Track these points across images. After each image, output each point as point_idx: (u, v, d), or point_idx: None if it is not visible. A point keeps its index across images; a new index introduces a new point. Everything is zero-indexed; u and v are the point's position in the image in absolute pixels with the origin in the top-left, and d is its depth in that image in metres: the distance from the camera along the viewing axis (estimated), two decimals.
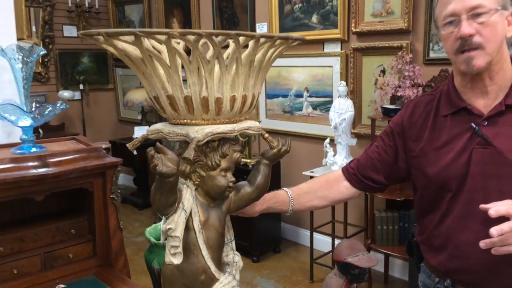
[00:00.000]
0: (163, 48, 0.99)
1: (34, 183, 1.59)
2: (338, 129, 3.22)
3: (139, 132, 5.11)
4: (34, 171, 1.59)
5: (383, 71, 3.34)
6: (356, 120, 3.44)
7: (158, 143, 0.98)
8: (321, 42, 3.67)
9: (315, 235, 3.52)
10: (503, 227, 0.98)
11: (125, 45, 0.98)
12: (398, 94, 2.94)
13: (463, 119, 1.22)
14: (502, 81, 1.19)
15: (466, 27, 1.12)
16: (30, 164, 1.60)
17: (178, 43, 0.99)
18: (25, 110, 1.68)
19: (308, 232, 3.61)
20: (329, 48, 3.65)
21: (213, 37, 0.95)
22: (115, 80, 5.97)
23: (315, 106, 3.80)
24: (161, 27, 5.08)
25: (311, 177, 3.14)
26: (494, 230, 0.98)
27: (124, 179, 5.89)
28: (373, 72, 3.40)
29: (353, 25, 3.44)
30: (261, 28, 4.08)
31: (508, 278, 1.19)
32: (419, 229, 1.40)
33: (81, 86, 5.53)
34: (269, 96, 4.12)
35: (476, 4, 1.11)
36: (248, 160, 3.72)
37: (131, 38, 0.93)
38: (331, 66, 3.64)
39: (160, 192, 1.02)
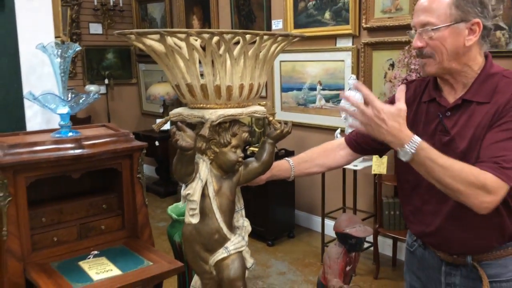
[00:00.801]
0: (182, 44, 1.20)
1: (72, 162, 1.83)
2: (349, 120, 3.40)
3: None
4: (72, 152, 1.82)
5: (392, 65, 3.50)
6: None
7: (179, 122, 1.19)
8: (334, 38, 3.85)
9: (326, 221, 3.71)
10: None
11: (152, 42, 1.20)
12: None
13: (435, 108, 1.41)
14: (465, 80, 1.36)
15: (416, 41, 1.32)
16: (68, 145, 1.84)
17: (196, 40, 1.20)
18: (63, 99, 1.91)
19: (320, 218, 3.81)
20: (341, 43, 3.83)
21: (224, 35, 1.16)
22: (138, 75, 6.24)
23: (327, 99, 3.99)
24: (181, 24, 5.32)
25: None
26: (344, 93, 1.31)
27: (146, 169, 6.17)
28: (382, 66, 3.57)
29: (363, 21, 3.60)
30: (277, 24, 4.27)
31: (460, 243, 1.39)
32: (400, 197, 1.63)
33: (106, 81, 5.82)
34: (284, 89, 4.31)
35: (425, 21, 1.30)
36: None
37: (157, 36, 1.15)
38: (343, 60, 3.81)
39: (181, 163, 1.24)
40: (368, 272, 3.51)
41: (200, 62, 1.22)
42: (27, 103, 2.09)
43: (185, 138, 1.18)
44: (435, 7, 1.29)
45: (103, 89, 5.76)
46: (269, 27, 4.34)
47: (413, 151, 1.17)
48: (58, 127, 2.01)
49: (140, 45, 1.21)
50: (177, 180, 1.33)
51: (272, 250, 3.94)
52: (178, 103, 5.67)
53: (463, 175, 1.17)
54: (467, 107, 1.34)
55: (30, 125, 2.12)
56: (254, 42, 1.22)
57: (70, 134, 1.96)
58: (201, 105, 1.28)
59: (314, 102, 4.09)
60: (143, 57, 6.07)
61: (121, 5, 5.82)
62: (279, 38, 1.27)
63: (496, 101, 1.30)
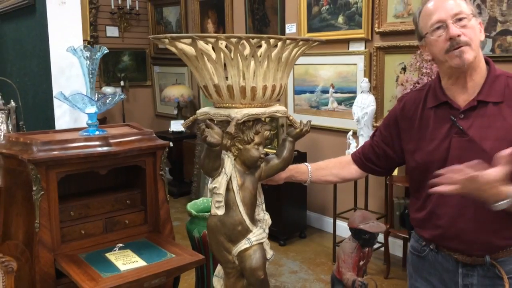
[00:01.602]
0: (209, 47, 1.30)
1: (100, 159, 1.94)
2: (361, 122, 3.48)
3: (175, 126, 5.49)
4: (100, 149, 1.93)
5: (404, 69, 3.57)
6: (378, 114, 3.69)
7: (207, 120, 1.29)
8: (346, 42, 3.93)
9: (338, 221, 3.79)
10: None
11: (184, 46, 1.30)
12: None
13: (444, 112, 1.45)
14: (478, 78, 1.42)
15: (455, 29, 1.36)
16: (97, 143, 1.94)
17: (222, 44, 1.29)
18: (92, 99, 2.02)
19: (331, 219, 3.88)
20: (353, 47, 3.90)
21: (250, 39, 1.25)
22: (153, 77, 6.36)
23: (340, 101, 4.07)
24: (196, 27, 5.43)
25: None
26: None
27: None
28: (394, 70, 3.64)
29: (376, 25, 3.68)
30: (290, 28, 4.36)
31: (480, 244, 1.42)
32: (410, 204, 1.64)
33: (121, 83, 5.95)
34: (297, 92, 4.40)
35: (458, 11, 1.37)
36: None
37: (188, 40, 1.24)
38: (355, 64, 3.89)
39: (208, 158, 1.33)
40: (379, 272, 3.57)
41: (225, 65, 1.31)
42: (56, 103, 2.20)
43: (213, 135, 1.27)
44: (459, 2, 1.39)
45: (118, 91, 5.88)
46: (283, 31, 4.43)
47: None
48: (85, 125, 2.12)
49: (173, 49, 1.31)
50: (204, 174, 1.42)
51: (284, 249, 4.02)
52: (191, 105, 5.78)
53: None
54: (482, 108, 1.39)
55: (59, 124, 2.23)
56: (275, 46, 1.31)
57: (97, 132, 2.06)
58: (227, 104, 1.37)
59: (327, 105, 4.17)
60: (158, 59, 6.20)
61: (137, 8, 5.95)
62: (301, 43, 1.36)
63: None
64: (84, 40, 2.26)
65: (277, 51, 1.34)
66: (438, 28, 1.38)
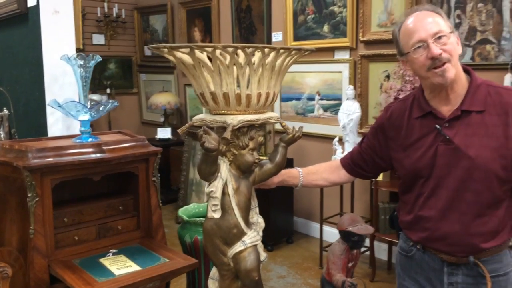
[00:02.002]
0: (203, 56, 1.35)
1: (94, 165, 1.97)
2: (346, 129, 3.56)
3: (162, 133, 5.52)
4: (94, 156, 1.96)
5: (388, 76, 3.67)
6: (363, 120, 3.77)
7: (205, 127, 1.34)
8: (332, 50, 4.02)
9: (324, 227, 3.85)
10: None
11: (182, 55, 1.34)
12: (400, 96, 3.27)
13: (430, 121, 1.52)
14: (459, 89, 1.49)
15: (436, 49, 1.42)
16: (90, 150, 1.97)
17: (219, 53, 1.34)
18: (86, 106, 2.05)
19: (318, 225, 3.95)
20: (339, 55, 3.99)
21: (246, 49, 1.31)
22: (139, 84, 6.38)
23: (325, 108, 4.15)
24: (183, 35, 5.48)
25: None
26: None
27: None
28: (378, 77, 3.74)
29: (361, 34, 3.78)
30: (277, 37, 4.44)
31: (464, 245, 1.48)
32: (399, 206, 1.71)
33: (108, 90, 5.95)
34: (283, 99, 4.47)
35: (437, 30, 1.43)
36: (264, 158, 4.07)
37: (187, 50, 1.29)
38: (340, 72, 3.98)
39: (205, 164, 1.38)
40: (365, 275, 3.64)
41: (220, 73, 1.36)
42: (49, 110, 2.22)
43: (210, 141, 1.32)
44: (438, 20, 1.45)
45: (104, 98, 5.87)
46: (269, 39, 4.51)
47: None
48: (77, 133, 2.15)
49: (171, 58, 1.36)
50: (201, 179, 1.47)
51: (272, 255, 4.06)
52: (178, 112, 5.81)
53: None
54: (465, 117, 1.46)
55: (52, 131, 2.25)
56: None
57: (90, 139, 2.09)
58: (223, 111, 1.42)
59: (313, 112, 4.25)
60: (144, 67, 6.22)
61: (123, 16, 5.98)
62: (293, 52, 1.42)
63: (499, 112, 1.43)
64: (76, 49, 2.29)
65: (271, 60, 1.39)
66: (419, 47, 1.44)
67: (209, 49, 1.29)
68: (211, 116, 1.45)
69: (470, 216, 1.45)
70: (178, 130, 1.53)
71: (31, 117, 2.30)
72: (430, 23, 1.44)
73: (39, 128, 2.27)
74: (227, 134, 1.37)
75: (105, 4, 5.84)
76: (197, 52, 1.32)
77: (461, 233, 1.47)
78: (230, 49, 1.30)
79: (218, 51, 1.31)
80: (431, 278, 1.57)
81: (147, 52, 6.16)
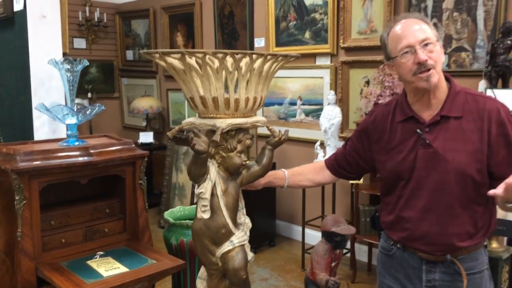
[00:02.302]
0: (197, 61, 1.39)
1: (81, 169, 1.99)
2: (328, 133, 3.64)
3: (144, 137, 5.52)
4: (81, 159, 1.98)
5: (368, 82, 3.77)
6: (344, 125, 3.86)
7: (195, 130, 1.38)
8: (313, 56, 4.10)
9: (306, 229, 3.92)
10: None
11: (173, 60, 1.39)
12: (380, 102, 3.36)
13: (411, 125, 1.59)
14: (441, 95, 1.57)
15: (422, 55, 1.50)
16: (78, 153, 1.99)
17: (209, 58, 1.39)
18: (73, 110, 2.07)
19: (300, 228, 4.01)
20: (320, 61, 4.08)
21: (235, 55, 1.36)
22: (121, 89, 6.36)
23: (307, 113, 4.23)
24: (165, 41, 5.50)
25: None
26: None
27: None
28: (358, 83, 3.83)
29: (341, 41, 3.87)
30: (259, 42, 4.50)
31: (442, 245, 1.56)
32: (381, 207, 1.77)
33: (89, 95, 5.92)
34: (265, 104, 4.52)
35: (425, 37, 1.50)
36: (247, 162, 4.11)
37: (178, 55, 1.34)
38: (322, 77, 4.06)
39: (195, 165, 1.42)
40: (346, 277, 3.71)
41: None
42: (35, 114, 2.23)
43: (200, 143, 1.37)
44: (425, 28, 1.52)
45: (86, 103, 5.84)
46: (251, 45, 4.57)
47: None
48: (63, 136, 2.16)
49: (162, 63, 1.40)
50: (191, 180, 1.51)
51: (254, 258, 4.10)
52: (160, 116, 5.82)
53: None
54: (444, 122, 1.54)
55: (38, 135, 2.25)
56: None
57: (77, 143, 2.11)
58: (212, 115, 1.47)
59: (295, 116, 4.32)
60: (126, 71, 6.22)
61: (105, 20, 5.97)
62: (280, 58, 1.48)
63: (476, 118, 1.51)
64: (63, 53, 2.31)
65: (258, 66, 1.45)
66: (407, 52, 1.51)
67: (200, 55, 1.34)
68: (201, 119, 1.50)
69: (447, 217, 1.52)
70: (167, 133, 1.57)
71: (16, 120, 2.30)
72: (418, 30, 1.51)
73: (24, 131, 2.28)
74: (217, 137, 1.42)
75: (87, 8, 5.83)
76: (187, 57, 1.36)
77: (439, 233, 1.54)
78: (220, 55, 1.35)
79: (208, 57, 1.36)
80: (410, 276, 1.64)
81: (129, 56, 6.16)
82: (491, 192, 1.34)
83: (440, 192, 1.52)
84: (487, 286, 1.63)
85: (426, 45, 1.50)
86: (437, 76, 1.52)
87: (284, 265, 3.97)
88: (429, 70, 1.50)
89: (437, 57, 1.51)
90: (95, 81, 6.12)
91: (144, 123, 5.67)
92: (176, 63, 1.40)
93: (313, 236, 4.09)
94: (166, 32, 5.51)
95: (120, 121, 6.48)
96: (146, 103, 5.44)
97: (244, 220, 1.62)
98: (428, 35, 1.51)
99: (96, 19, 5.86)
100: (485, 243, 1.65)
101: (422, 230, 1.55)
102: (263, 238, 4.32)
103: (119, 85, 6.36)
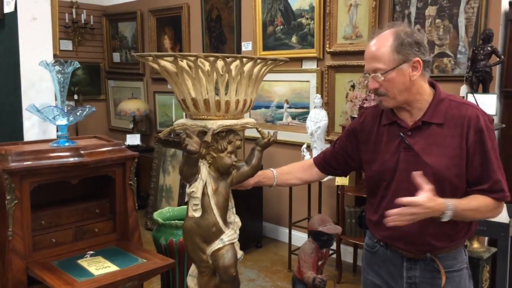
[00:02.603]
0: (189, 64, 1.44)
1: (72, 169, 2.01)
2: (314, 136, 3.70)
3: (131, 139, 5.52)
4: (72, 159, 2.01)
5: (353, 86, 3.85)
6: (330, 128, 3.93)
7: (187, 131, 1.42)
8: (300, 60, 4.17)
9: (293, 231, 3.97)
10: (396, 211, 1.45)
11: (165, 63, 1.43)
12: (365, 105, 3.44)
13: (395, 129, 1.66)
14: (420, 106, 1.62)
15: (371, 83, 1.58)
16: (69, 153, 2.02)
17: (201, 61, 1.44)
18: (64, 111, 2.09)
19: (286, 230, 4.06)
20: (306, 65, 4.15)
21: (226, 58, 1.41)
22: (107, 91, 6.36)
23: (294, 116, 4.29)
24: (153, 43, 5.52)
25: None
26: (391, 212, 1.45)
27: None
28: (344, 87, 3.91)
29: (327, 46, 3.94)
30: (246, 46, 4.56)
31: (422, 244, 1.63)
32: (366, 207, 1.84)
33: (75, 97, 5.90)
34: (253, 107, 4.57)
35: (375, 68, 1.56)
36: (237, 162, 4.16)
37: (171, 58, 1.38)
38: (308, 81, 4.13)
39: (187, 165, 1.46)
40: (331, 277, 3.77)
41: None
42: (25, 115, 2.24)
43: (192, 144, 1.41)
44: (381, 55, 1.55)
45: (72, 105, 5.83)
46: (239, 49, 4.62)
47: (451, 212, 1.48)
48: (54, 137, 2.18)
49: (155, 65, 1.44)
50: (183, 180, 1.55)
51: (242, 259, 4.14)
52: (147, 119, 5.83)
53: (484, 208, 1.56)
54: (426, 128, 1.60)
55: (28, 136, 2.27)
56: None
57: (67, 144, 2.13)
58: (203, 116, 1.52)
59: (281, 119, 4.38)
60: (112, 74, 6.22)
61: (92, 23, 5.96)
62: (269, 62, 1.53)
63: (457, 124, 1.57)
64: (54, 55, 2.33)
65: (248, 69, 1.50)
66: (368, 74, 1.60)
67: (192, 58, 1.39)
68: (192, 121, 1.54)
69: (427, 219, 1.58)
70: (159, 134, 1.61)
71: (4, 121, 2.31)
72: (371, 58, 1.57)
73: (14, 132, 2.29)
74: (208, 138, 1.46)
75: (73, 10, 5.82)
76: (180, 60, 1.40)
77: (419, 234, 1.61)
78: (211, 58, 1.39)
79: (200, 60, 1.40)
80: (392, 272, 1.70)
81: (116, 58, 6.16)
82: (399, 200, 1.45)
83: (419, 194, 1.58)
84: (466, 285, 1.69)
85: (378, 75, 1.55)
86: (390, 102, 1.59)
87: (271, 266, 4.02)
88: (382, 95, 1.58)
89: (388, 85, 1.56)
90: (82, 83, 6.10)
91: (131, 126, 5.67)
92: (169, 65, 1.44)
93: (300, 238, 4.14)
94: (153, 35, 5.53)
95: (106, 123, 6.47)
96: (133, 105, 5.45)
97: (234, 219, 1.66)
98: (379, 65, 1.54)
99: (82, 21, 5.86)
100: (466, 243, 1.72)
101: (403, 230, 1.59)
102: (250, 240, 4.36)
103: (105, 87, 6.35)
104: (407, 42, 1.54)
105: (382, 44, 1.55)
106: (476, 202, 1.55)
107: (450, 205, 1.48)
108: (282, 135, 4.33)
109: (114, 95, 6.30)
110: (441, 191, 1.55)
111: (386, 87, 1.56)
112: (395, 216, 1.44)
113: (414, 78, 1.56)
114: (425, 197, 1.44)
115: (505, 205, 2.63)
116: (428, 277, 1.65)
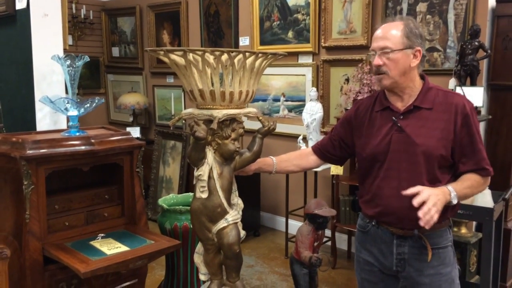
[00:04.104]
0: (197, 58, 1.58)
1: (84, 157, 2.14)
2: (310, 128, 3.85)
3: (131, 132, 5.61)
4: (84, 147, 2.14)
5: (347, 80, 3.99)
6: (325, 120, 4.08)
7: (195, 119, 1.56)
8: (296, 54, 4.31)
9: (290, 220, 4.13)
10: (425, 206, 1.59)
11: (175, 57, 1.57)
12: (359, 98, 3.58)
13: (387, 114, 1.82)
14: (411, 92, 1.79)
15: (376, 60, 1.74)
16: (80, 142, 2.15)
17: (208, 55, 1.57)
18: (76, 103, 2.22)
19: (283, 219, 4.21)
20: (302, 59, 4.29)
21: (231, 53, 1.54)
22: (106, 85, 6.47)
23: (290, 109, 4.43)
24: (152, 38, 5.64)
25: None
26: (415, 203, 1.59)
27: None
28: (339, 80, 4.05)
29: (322, 40, 4.08)
30: (244, 41, 4.68)
31: (410, 219, 1.73)
32: (359, 191, 1.98)
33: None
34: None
35: (383, 45, 1.72)
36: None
37: (180, 53, 1.52)
38: (304, 75, 4.28)
39: (195, 151, 1.61)
40: (326, 263, 3.93)
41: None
42: (38, 106, 2.37)
43: (200, 131, 1.55)
44: (391, 36, 1.72)
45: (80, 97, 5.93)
46: (236, 44, 4.75)
47: (454, 193, 1.67)
48: (64, 127, 2.31)
49: (166, 59, 1.57)
50: (191, 164, 1.69)
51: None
52: (146, 112, 5.95)
53: (475, 184, 1.75)
54: (416, 112, 1.76)
55: (40, 126, 2.40)
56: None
57: (78, 133, 2.26)
58: (209, 106, 1.65)
59: (278, 112, 4.53)
60: (111, 68, 6.32)
61: (91, 17, 6.06)
62: (269, 56, 1.67)
63: (445, 110, 1.73)
64: (64, 49, 2.46)
65: (250, 62, 1.63)
66: (374, 53, 1.76)
67: (199, 52, 1.52)
68: (199, 110, 1.68)
69: (416, 194, 1.70)
70: (169, 123, 1.75)
71: (17, 113, 2.44)
72: (381, 38, 1.73)
73: (26, 123, 2.42)
74: (214, 125, 1.60)
75: (73, 5, 5.92)
76: (189, 54, 1.54)
77: (408, 208, 1.74)
78: (217, 53, 1.53)
79: (206, 54, 1.54)
80: (383, 250, 1.85)
81: (115, 53, 6.27)
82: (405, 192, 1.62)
83: (410, 172, 1.73)
84: (451, 260, 1.85)
85: (384, 52, 1.72)
86: (389, 80, 1.74)
87: (269, 253, 4.18)
88: (382, 73, 1.74)
89: (391, 64, 1.72)
90: (81, 77, 6.08)
91: (131, 119, 5.79)
92: (178, 59, 1.58)
93: (296, 226, 4.27)
94: (152, 30, 5.64)
95: (106, 117, 6.59)
96: (133, 99, 5.57)
97: (237, 201, 1.81)
98: (388, 44, 1.71)
99: (82, 16, 5.95)
100: (450, 224, 1.88)
101: (394, 206, 1.76)
102: (248, 228, 4.45)
103: (105, 81, 6.46)
104: (415, 31, 1.73)
105: (393, 27, 1.73)
106: (468, 181, 1.74)
107: (450, 188, 1.66)
108: (279, 127, 4.44)
109: (114, 89, 6.41)
110: (430, 169, 1.73)
111: (389, 66, 1.72)
112: (427, 216, 1.58)
113: (413, 65, 1.74)
114: (424, 187, 1.61)
115: (490, 191, 2.81)
116: (416, 253, 1.80)
